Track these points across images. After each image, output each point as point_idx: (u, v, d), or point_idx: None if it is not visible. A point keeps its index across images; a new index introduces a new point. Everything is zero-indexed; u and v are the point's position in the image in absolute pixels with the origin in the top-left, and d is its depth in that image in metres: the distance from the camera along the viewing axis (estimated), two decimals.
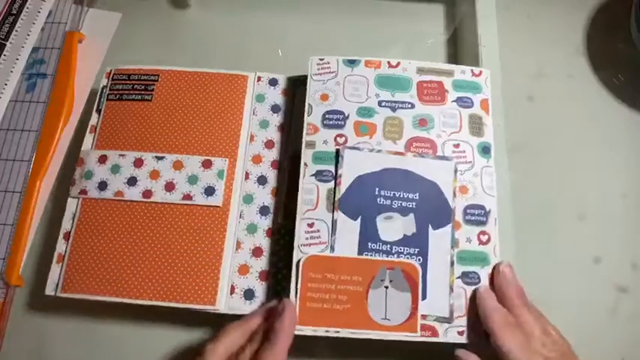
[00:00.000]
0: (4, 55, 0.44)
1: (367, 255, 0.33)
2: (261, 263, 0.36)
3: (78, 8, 0.47)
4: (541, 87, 0.46)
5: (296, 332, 0.31)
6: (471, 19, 0.43)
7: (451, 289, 0.33)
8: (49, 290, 0.35)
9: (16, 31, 0.45)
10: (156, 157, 0.37)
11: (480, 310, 0.32)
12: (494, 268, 0.34)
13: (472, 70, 0.38)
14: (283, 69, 0.47)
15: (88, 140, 0.39)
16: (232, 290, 0.35)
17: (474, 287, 0.33)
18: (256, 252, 0.36)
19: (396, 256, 0.33)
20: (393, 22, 0.49)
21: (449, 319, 0.32)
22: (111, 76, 0.41)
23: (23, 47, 0.45)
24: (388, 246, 0.33)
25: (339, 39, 0.48)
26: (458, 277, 0.33)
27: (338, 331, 0.32)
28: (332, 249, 0.33)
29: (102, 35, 0.47)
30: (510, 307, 0.31)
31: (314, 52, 0.48)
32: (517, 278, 0.33)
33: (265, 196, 0.37)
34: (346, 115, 0.37)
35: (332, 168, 0.35)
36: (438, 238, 0.34)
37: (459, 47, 0.46)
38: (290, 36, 0.48)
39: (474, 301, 0.33)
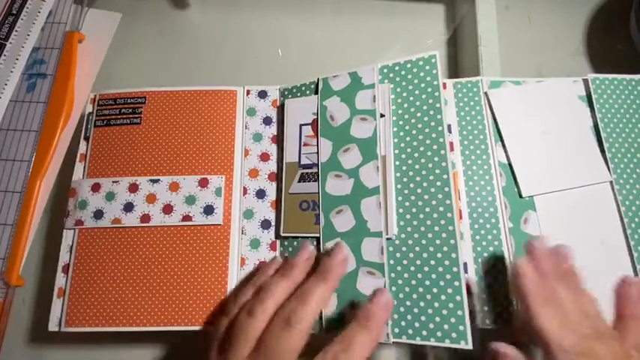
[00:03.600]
0: (4, 55, 0.44)
1: None
2: None
3: (78, 8, 0.47)
4: None
5: None
6: (471, 19, 0.43)
7: None
8: (52, 326, 0.34)
9: (16, 31, 0.45)
10: (151, 180, 0.37)
11: (517, 286, 0.29)
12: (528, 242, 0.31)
13: None
14: (283, 68, 0.47)
15: (79, 169, 0.38)
16: None
17: None
18: None
19: None
20: (393, 22, 0.49)
21: None
22: (96, 101, 0.40)
23: (23, 47, 0.45)
24: None
25: (339, 39, 0.48)
26: None
27: None
28: None
29: (102, 35, 0.47)
30: (546, 282, 0.29)
31: (314, 52, 0.48)
32: (551, 249, 0.30)
33: (265, 210, 0.37)
34: None
35: None
36: None
37: (459, 47, 0.46)
38: (290, 35, 0.48)
39: None
